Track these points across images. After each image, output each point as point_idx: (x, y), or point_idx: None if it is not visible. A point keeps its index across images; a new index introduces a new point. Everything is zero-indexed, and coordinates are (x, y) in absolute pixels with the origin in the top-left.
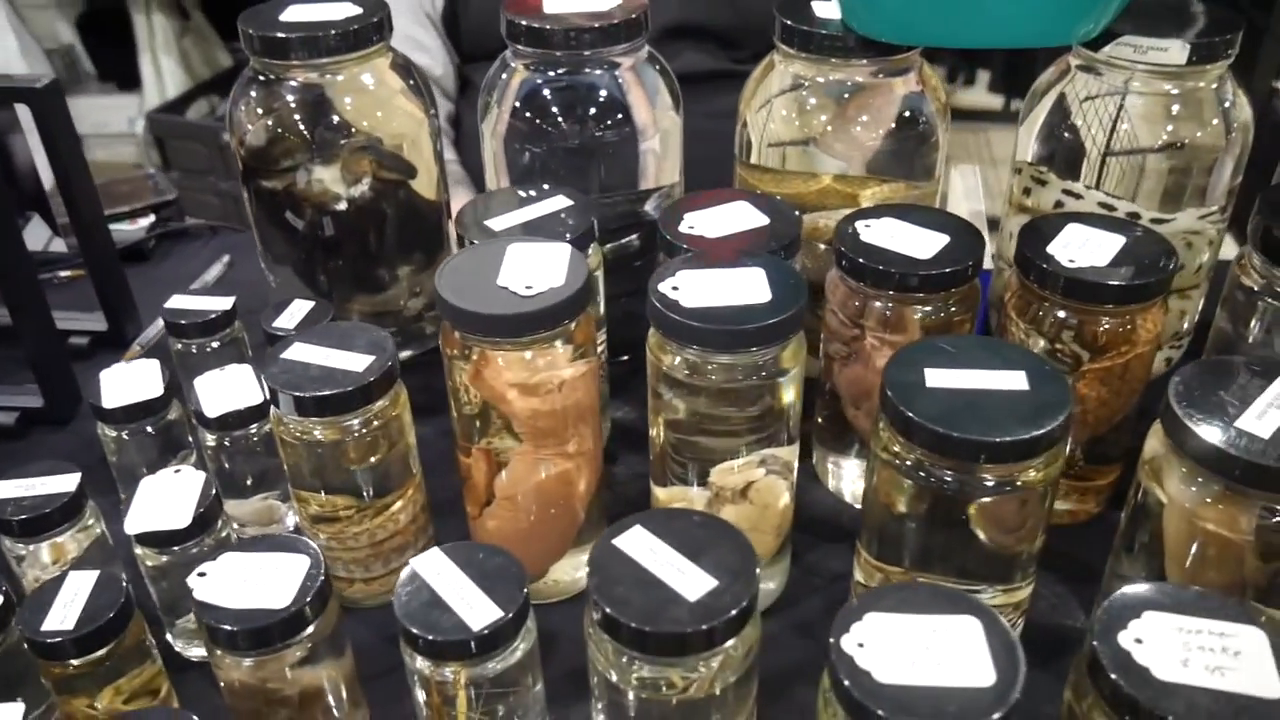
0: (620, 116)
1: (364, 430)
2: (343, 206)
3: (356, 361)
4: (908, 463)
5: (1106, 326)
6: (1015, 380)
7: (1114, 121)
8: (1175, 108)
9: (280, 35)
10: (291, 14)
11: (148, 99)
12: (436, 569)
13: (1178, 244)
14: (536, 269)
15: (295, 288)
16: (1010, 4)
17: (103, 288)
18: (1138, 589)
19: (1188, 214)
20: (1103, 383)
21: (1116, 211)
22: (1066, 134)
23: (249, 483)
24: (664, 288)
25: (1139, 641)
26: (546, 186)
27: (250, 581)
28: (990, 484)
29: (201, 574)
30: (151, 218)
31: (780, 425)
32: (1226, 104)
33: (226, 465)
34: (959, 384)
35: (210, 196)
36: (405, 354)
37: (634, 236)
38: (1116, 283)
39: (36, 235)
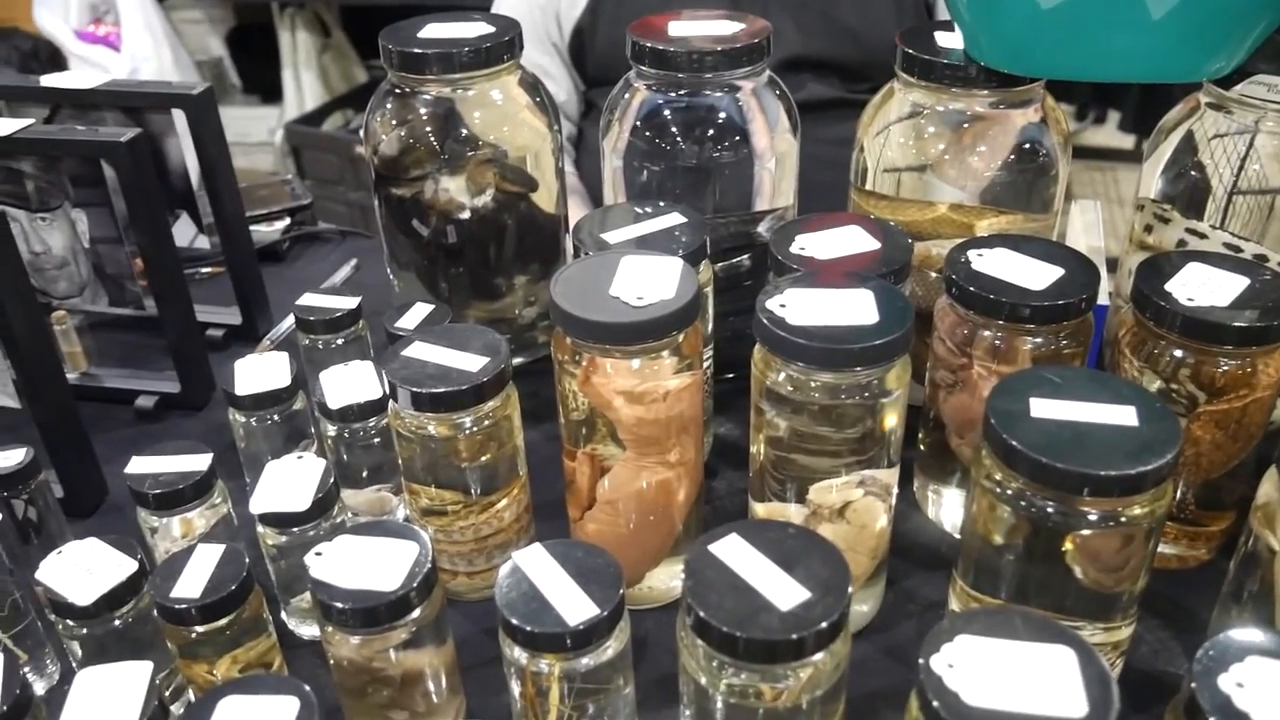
0: (738, 138)
1: (475, 428)
2: (466, 216)
3: (472, 362)
4: (1008, 491)
5: (1225, 368)
6: (1124, 415)
7: (1243, 160)
8: None
9: (417, 51)
10: (429, 31)
11: (287, 111)
12: (538, 564)
13: None
14: (648, 281)
15: (417, 292)
16: (1135, 38)
17: (240, 284)
18: (1242, 633)
19: None
20: (1219, 426)
21: (1243, 253)
22: (1193, 172)
23: (364, 474)
24: (771, 304)
25: (1240, 686)
26: (662, 204)
27: (363, 564)
28: (1093, 518)
29: (318, 554)
30: (287, 220)
31: (881, 448)
32: None
33: (345, 456)
34: (1065, 415)
35: (340, 205)
36: (517, 361)
37: (745, 257)
38: (1238, 324)
39: (183, 232)
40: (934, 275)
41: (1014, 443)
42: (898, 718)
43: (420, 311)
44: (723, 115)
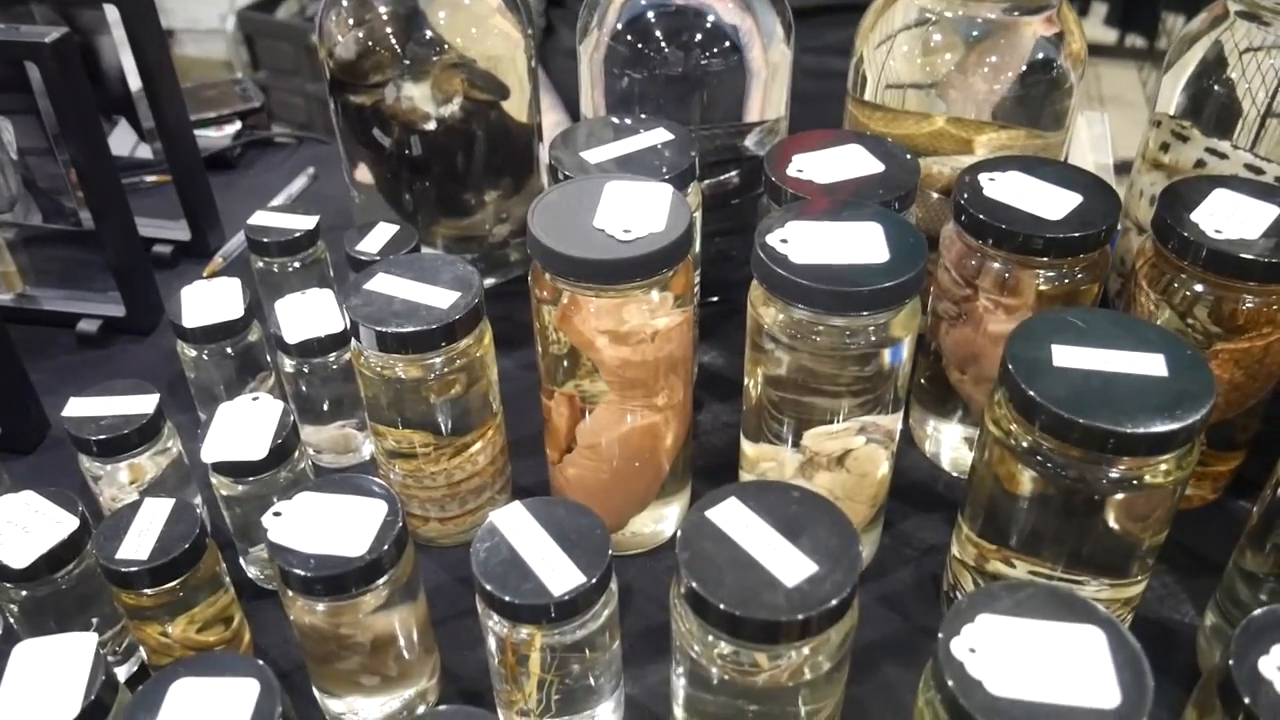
0: (728, 45)
1: (446, 369)
2: (432, 126)
3: (442, 297)
4: (1023, 444)
5: (1249, 305)
6: (1153, 364)
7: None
8: None
9: None
10: None
11: None
12: (518, 525)
13: None
14: (636, 211)
15: (379, 208)
16: None
17: (187, 196)
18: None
19: None
20: (1237, 365)
21: (1265, 175)
22: (1219, 88)
23: (326, 408)
24: (772, 240)
25: None
26: (645, 117)
27: (326, 524)
28: (1115, 477)
29: (277, 514)
30: (238, 125)
31: (886, 391)
32: None
33: (304, 389)
34: (1089, 364)
35: (297, 98)
36: (489, 282)
37: (734, 173)
38: (1269, 259)
39: (122, 140)
40: (934, 196)
41: (1035, 395)
42: (898, 671)
43: (384, 233)
44: (712, 20)
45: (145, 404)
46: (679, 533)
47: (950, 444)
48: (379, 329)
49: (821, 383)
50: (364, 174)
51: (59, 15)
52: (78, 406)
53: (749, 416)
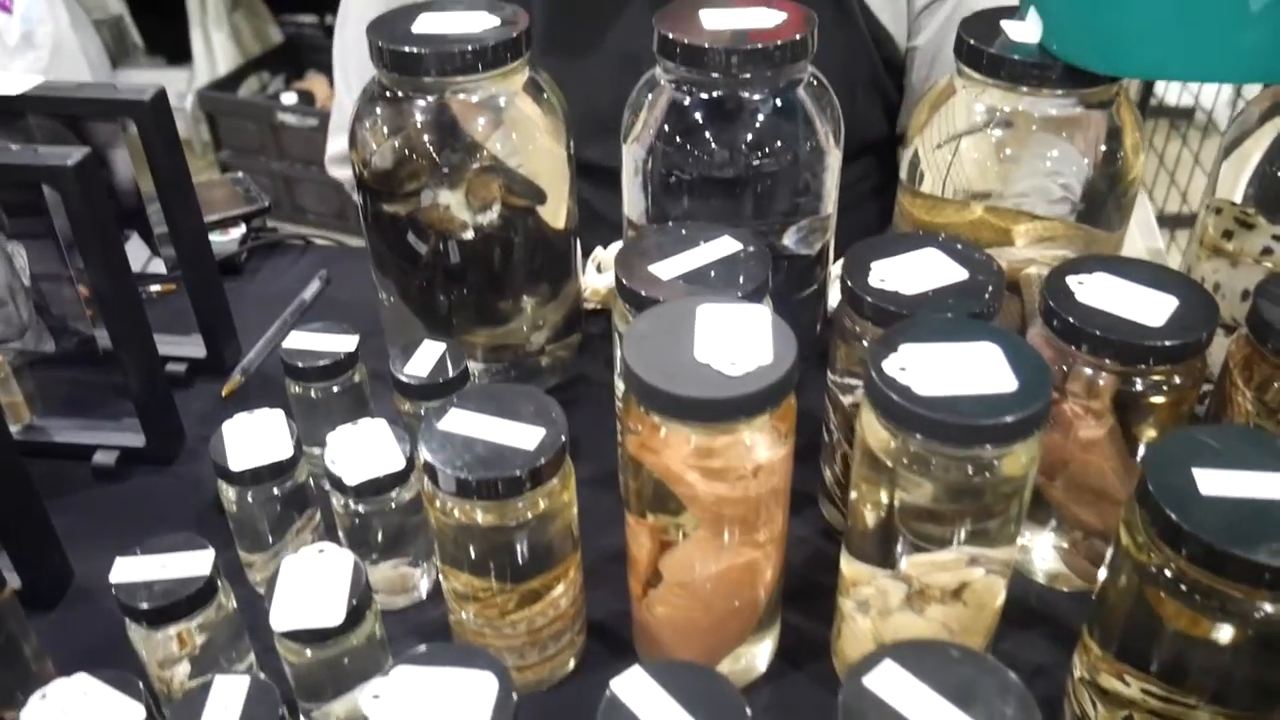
0: (778, 144)
1: (530, 512)
2: (469, 235)
3: (525, 435)
4: (1167, 573)
5: None
6: None
7: None
8: None
9: (413, 50)
10: (424, 24)
11: (198, 74)
12: (644, 696)
13: None
14: (736, 338)
15: (412, 320)
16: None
17: (203, 312)
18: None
19: None
20: None
21: None
22: None
23: (382, 547)
24: (889, 367)
25: None
26: (708, 226)
27: (431, 707)
28: (1270, 610)
29: (376, 696)
30: (243, 228)
31: (1005, 522)
32: None
33: (358, 526)
34: (1236, 490)
35: (262, 177)
36: None
37: (784, 278)
38: None
39: (135, 254)
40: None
41: (1187, 527)
42: None
43: (429, 353)
44: (761, 119)
45: (199, 563)
46: (841, 704)
47: (1041, 554)
48: (461, 476)
49: (937, 509)
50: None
51: (69, 130)
52: (126, 569)
53: (855, 536)
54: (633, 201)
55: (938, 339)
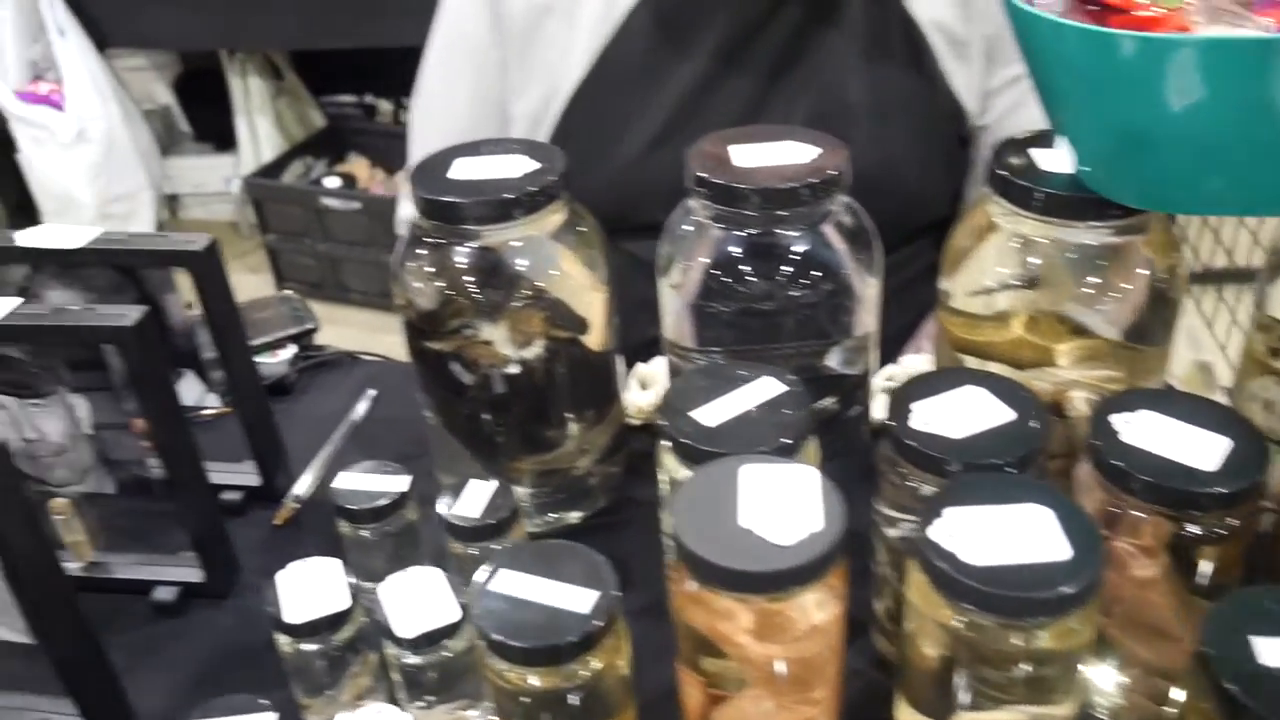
0: (819, 275)
1: (586, 675)
2: (515, 370)
3: (578, 598)
4: None
5: None
6: None
7: None
8: None
9: (453, 200)
10: (461, 169)
11: (243, 159)
12: None
13: None
14: (784, 503)
15: (457, 448)
16: None
17: (256, 443)
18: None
19: None
20: None
21: None
22: None
23: (436, 693)
24: (937, 535)
25: None
26: (748, 365)
27: None
28: None
29: None
30: (293, 349)
31: (1063, 683)
32: None
33: (411, 672)
34: None
35: (307, 259)
36: (575, 515)
37: (831, 400)
38: None
39: (189, 391)
40: None
41: (1249, 704)
42: None
43: (479, 493)
44: (804, 252)
45: None
46: None
47: (1103, 689)
48: (513, 643)
49: (993, 668)
50: None
51: (124, 277)
52: None
53: (910, 681)
54: (671, 324)
55: (986, 501)
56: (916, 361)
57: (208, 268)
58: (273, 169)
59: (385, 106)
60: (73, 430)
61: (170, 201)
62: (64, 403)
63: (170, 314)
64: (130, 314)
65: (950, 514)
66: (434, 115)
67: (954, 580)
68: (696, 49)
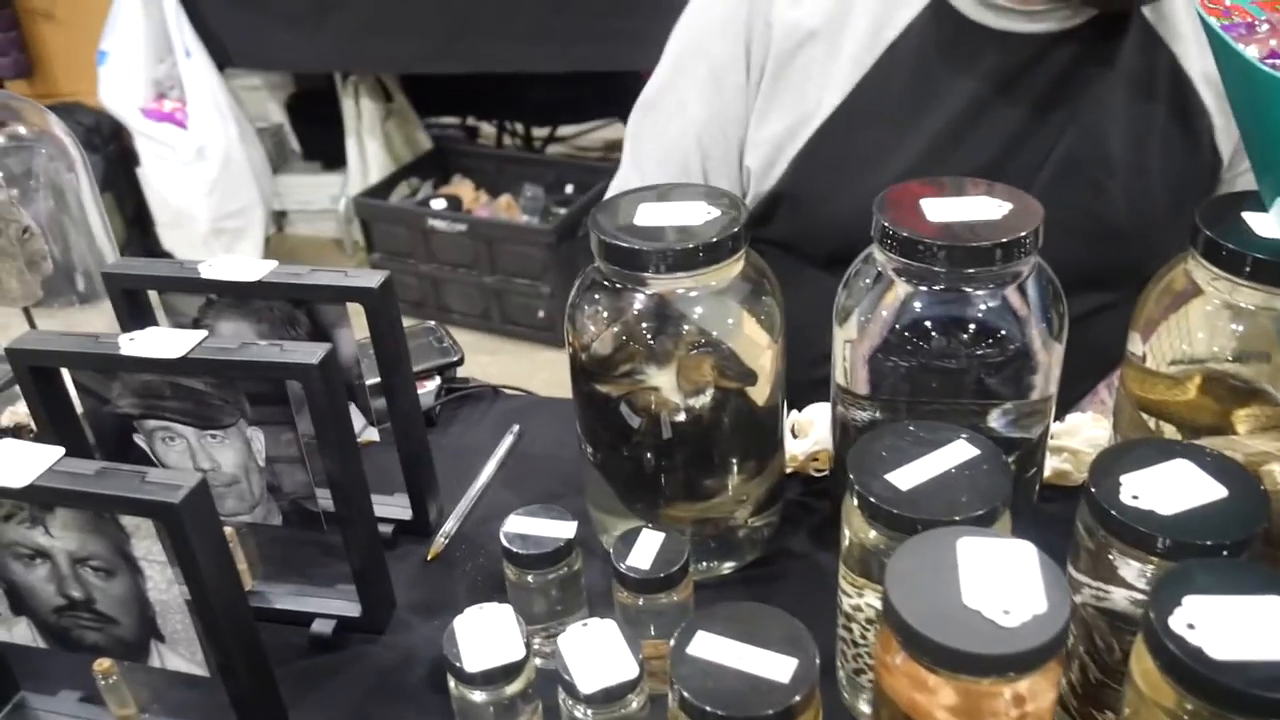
0: (1003, 335)
1: None
2: (682, 417)
3: (776, 666)
4: None
5: None
6: None
7: None
8: None
9: (635, 247)
10: (644, 216)
11: (351, 179)
12: None
13: None
14: (1005, 581)
15: (612, 490)
16: None
17: (413, 478)
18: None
19: None
20: None
21: None
22: None
23: None
24: (1176, 624)
25: None
26: (937, 427)
27: None
28: None
29: None
30: (438, 380)
31: None
32: None
33: None
34: None
35: (410, 278)
36: (728, 566)
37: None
38: None
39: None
40: None
41: None
42: None
43: (650, 543)
44: (990, 310)
45: None
46: None
47: None
48: (719, 713)
49: None
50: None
51: (299, 310)
52: None
53: None
54: (844, 373)
55: (1224, 590)
56: (1081, 422)
57: (382, 304)
58: (381, 189)
59: (487, 129)
60: (247, 462)
61: (278, 218)
62: (242, 435)
63: (341, 349)
64: (316, 352)
65: (1189, 603)
66: (657, 129)
67: (1195, 674)
68: (959, 83)
